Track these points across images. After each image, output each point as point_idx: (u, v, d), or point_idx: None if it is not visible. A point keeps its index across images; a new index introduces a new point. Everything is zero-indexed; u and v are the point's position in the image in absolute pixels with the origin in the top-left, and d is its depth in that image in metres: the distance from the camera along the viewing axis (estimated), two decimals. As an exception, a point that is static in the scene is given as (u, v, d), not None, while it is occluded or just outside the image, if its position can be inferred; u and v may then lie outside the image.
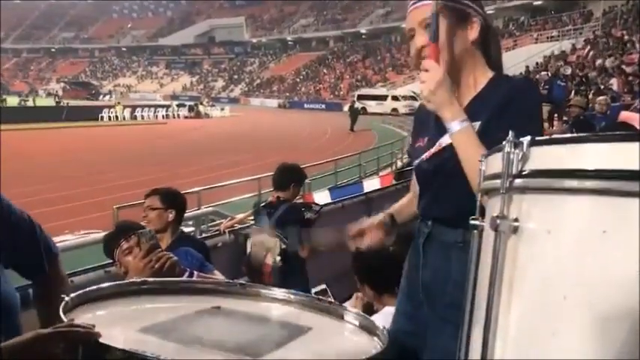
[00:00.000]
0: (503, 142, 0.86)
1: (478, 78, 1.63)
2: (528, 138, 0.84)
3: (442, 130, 1.57)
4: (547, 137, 0.86)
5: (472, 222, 0.92)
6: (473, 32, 1.60)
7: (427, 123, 1.70)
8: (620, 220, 0.75)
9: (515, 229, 0.86)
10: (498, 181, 0.86)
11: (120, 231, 2.75)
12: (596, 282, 0.76)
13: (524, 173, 0.85)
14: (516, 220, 0.86)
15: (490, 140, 1.21)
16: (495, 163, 0.90)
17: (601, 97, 11.66)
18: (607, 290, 0.75)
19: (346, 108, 33.27)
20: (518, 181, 0.85)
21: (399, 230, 1.86)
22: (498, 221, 0.85)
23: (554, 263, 0.81)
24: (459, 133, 1.46)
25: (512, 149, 0.85)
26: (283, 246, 4.08)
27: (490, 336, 0.86)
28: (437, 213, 1.64)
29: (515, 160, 0.85)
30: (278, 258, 4.07)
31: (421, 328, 1.63)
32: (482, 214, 0.99)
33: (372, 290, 2.71)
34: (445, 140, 1.58)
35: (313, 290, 2.91)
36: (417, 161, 1.72)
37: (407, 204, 1.90)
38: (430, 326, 1.59)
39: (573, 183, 0.78)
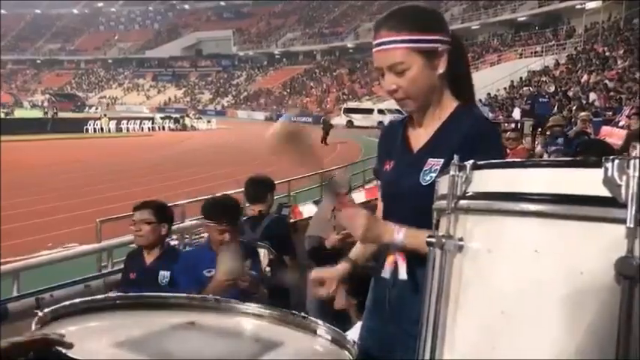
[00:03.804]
0: (450, 166, 0.91)
1: (443, 109, 1.66)
2: (471, 162, 0.89)
3: (407, 153, 1.65)
4: (487, 162, 0.91)
5: (428, 239, 0.96)
6: (441, 65, 1.60)
7: (392, 146, 1.75)
8: (550, 240, 0.80)
9: (460, 248, 0.90)
10: (445, 202, 0.91)
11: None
12: (530, 299, 0.81)
13: (467, 195, 0.90)
14: (461, 239, 0.91)
15: None
16: (445, 184, 0.95)
17: (583, 113, 11.86)
18: (540, 307, 0.80)
19: (333, 121, 33.67)
20: (462, 202, 0.90)
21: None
22: (444, 240, 0.90)
23: (493, 281, 0.86)
24: (404, 240, 1.54)
25: (457, 172, 0.90)
26: (271, 256, 4.12)
27: (437, 349, 0.90)
28: None
29: (459, 182, 0.90)
30: (267, 268, 4.11)
31: (385, 343, 1.66)
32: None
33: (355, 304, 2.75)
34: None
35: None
36: (384, 183, 1.78)
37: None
38: (397, 342, 1.62)
39: (509, 205, 0.83)
